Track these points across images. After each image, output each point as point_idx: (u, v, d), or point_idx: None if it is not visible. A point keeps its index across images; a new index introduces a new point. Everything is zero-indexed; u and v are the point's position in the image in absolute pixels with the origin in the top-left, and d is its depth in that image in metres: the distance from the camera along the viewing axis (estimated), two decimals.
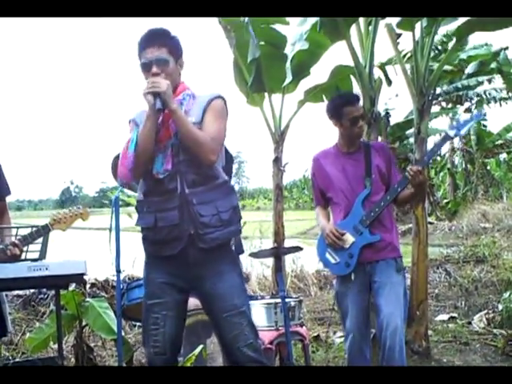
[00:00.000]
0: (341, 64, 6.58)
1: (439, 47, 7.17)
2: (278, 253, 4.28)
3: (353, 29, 5.34)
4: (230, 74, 7.08)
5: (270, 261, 7.71)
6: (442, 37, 7.17)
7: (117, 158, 3.04)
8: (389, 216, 3.71)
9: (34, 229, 3.45)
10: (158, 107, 2.79)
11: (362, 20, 5.44)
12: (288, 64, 6.28)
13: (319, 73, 7.06)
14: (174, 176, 2.85)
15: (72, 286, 5.06)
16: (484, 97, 12.04)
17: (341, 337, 5.57)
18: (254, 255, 4.19)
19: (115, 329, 3.98)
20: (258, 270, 8.68)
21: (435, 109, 14.22)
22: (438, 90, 9.00)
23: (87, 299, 4.58)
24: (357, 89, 5.54)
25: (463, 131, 3.54)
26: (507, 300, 6.00)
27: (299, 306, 4.28)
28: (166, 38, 2.92)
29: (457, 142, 22.27)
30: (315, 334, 5.86)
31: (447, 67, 6.51)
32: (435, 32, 5.40)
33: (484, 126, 20.68)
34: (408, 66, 5.89)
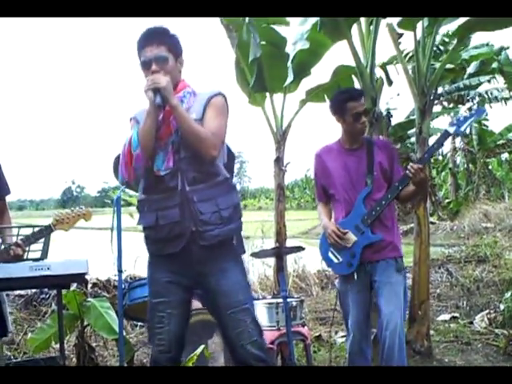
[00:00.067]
0: (342, 64, 6.58)
1: (441, 47, 7.17)
2: (280, 253, 4.29)
3: (354, 28, 5.34)
4: (232, 74, 7.08)
5: (272, 260, 7.71)
6: (443, 36, 7.17)
7: (118, 157, 3.04)
8: (390, 215, 3.70)
9: (37, 229, 3.46)
10: (157, 103, 2.79)
11: (363, 20, 5.44)
12: (289, 63, 6.28)
13: (321, 73, 7.06)
14: (174, 174, 2.85)
15: (74, 286, 5.07)
16: (486, 96, 12.06)
17: (342, 336, 5.58)
18: (255, 255, 4.20)
19: (117, 329, 3.99)
20: (259, 269, 8.68)
21: (437, 108, 14.26)
22: (440, 90, 9.01)
23: (89, 299, 4.58)
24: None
25: (463, 128, 3.53)
26: (509, 300, 5.98)
27: (301, 306, 4.28)
28: (164, 36, 2.92)
29: (458, 142, 22.26)
30: (317, 334, 5.86)
31: (449, 66, 6.51)
32: (436, 32, 5.41)
33: (485, 125, 20.67)
34: (409, 66, 5.89)
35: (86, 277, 4.13)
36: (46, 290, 6.39)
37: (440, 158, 24.33)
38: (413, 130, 10.80)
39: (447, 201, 22.77)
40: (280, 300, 4.00)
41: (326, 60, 6.68)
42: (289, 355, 3.87)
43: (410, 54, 6.38)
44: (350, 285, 3.67)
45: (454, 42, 5.86)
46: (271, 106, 7.11)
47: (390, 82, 6.82)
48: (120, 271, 3.70)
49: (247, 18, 6.04)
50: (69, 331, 4.51)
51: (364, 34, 5.45)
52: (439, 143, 3.72)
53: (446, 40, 7.41)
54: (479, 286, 8.01)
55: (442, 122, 17.80)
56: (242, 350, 2.86)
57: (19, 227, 3.49)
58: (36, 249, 3.46)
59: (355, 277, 3.63)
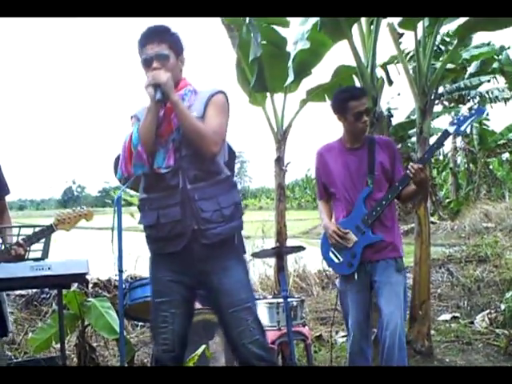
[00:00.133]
0: (343, 64, 6.58)
1: (442, 46, 7.17)
2: (281, 252, 4.28)
3: (355, 28, 5.34)
4: (232, 74, 7.08)
5: (272, 260, 7.71)
6: (444, 36, 7.17)
7: (119, 157, 3.04)
8: (391, 216, 3.70)
9: (38, 229, 3.46)
10: (158, 98, 2.78)
11: (363, 20, 5.44)
12: (290, 63, 6.28)
13: (321, 72, 7.07)
14: (175, 172, 2.84)
15: (74, 286, 5.07)
16: (486, 96, 12.06)
17: (343, 336, 5.58)
18: (256, 255, 4.20)
19: (117, 328, 3.99)
20: (260, 269, 8.68)
21: (438, 108, 14.25)
22: (441, 90, 9.01)
23: (89, 299, 4.58)
24: None
25: (463, 127, 3.52)
26: (509, 300, 5.98)
27: (301, 306, 4.28)
28: (166, 35, 2.92)
29: (459, 142, 22.25)
30: (317, 334, 5.86)
31: (450, 66, 6.51)
32: (437, 31, 5.41)
33: (486, 125, 20.66)
34: (410, 66, 5.89)
35: (87, 277, 4.14)
36: (46, 289, 6.39)
37: (441, 157, 24.33)
38: (413, 130, 10.82)
39: (448, 200, 22.76)
40: (281, 300, 3.99)
41: (326, 60, 6.69)
42: (289, 355, 3.86)
43: (411, 54, 6.37)
44: (350, 285, 3.67)
45: (455, 41, 5.86)
46: (272, 106, 7.11)
47: (390, 82, 6.83)
48: (121, 271, 3.70)
49: (247, 18, 6.04)
50: (69, 331, 4.51)
51: (365, 34, 5.45)
52: (439, 143, 3.72)
53: (447, 40, 7.41)
54: (480, 285, 8.00)
55: (442, 122, 17.80)
56: (244, 349, 2.85)
57: (20, 227, 3.49)
58: (37, 249, 3.47)
59: (355, 277, 3.63)
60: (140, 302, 3.95)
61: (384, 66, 6.88)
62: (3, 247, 3.40)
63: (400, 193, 3.60)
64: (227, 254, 2.92)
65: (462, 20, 5.18)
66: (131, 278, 6.39)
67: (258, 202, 48.19)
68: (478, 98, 12.52)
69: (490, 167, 24.18)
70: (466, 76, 9.58)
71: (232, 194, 2.94)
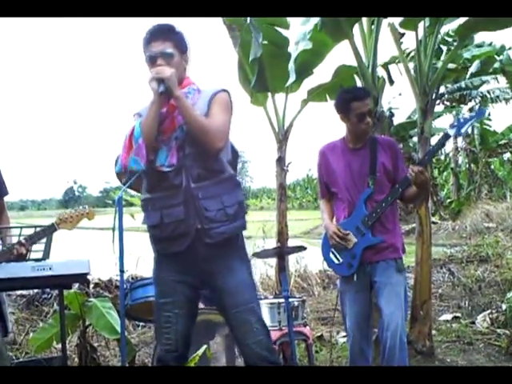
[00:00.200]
0: (344, 64, 6.58)
1: (443, 46, 7.16)
2: (282, 252, 4.27)
3: (356, 28, 5.33)
4: (233, 74, 7.08)
5: (274, 260, 7.71)
6: (445, 35, 7.16)
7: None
8: (392, 217, 3.69)
9: (40, 228, 3.46)
10: (161, 90, 2.78)
11: (364, 20, 5.44)
12: (292, 63, 6.28)
13: (322, 72, 7.06)
14: (179, 171, 2.83)
15: (75, 286, 5.07)
16: (488, 96, 12.04)
17: (344, 336, 5.57)
18: (257, 255, 4.19)
19: (118, 329, 3.98)
20: (261, 269, 8.68)
21: (439, 108, 14.24)
22: (442, 90, 9.00)
23: (90, 299, 4.58)
24: None
25: (464, 129, 3.51)
26: (511, 299, 5.97)
27: (302, 306, 4.28)
28: (171, 33, 2.93)
29: (460, 142, 22.23)
30: (319, 334, 5.86)
31: (451, 66, 6.51)
32: (438, 31, 5.40)
33: (488, 125, 20.64)
34: (411, 66, 5.89)
35: (88, 277, 4.14)
36: (47, 290, 6.40)
37: (442, 157, 24.31)
38: (415, 130, 10.81)
39: (449, 200, 22.75)
40: (282, 300, 3.99)
41: (327, 59, 6.68)
42: (291, 355, 3.86)
43: (412, 54, 6.36)
44: (350, 285, 3.67)
45: (456, 41, 5.86)
46: (273, 106, 7.11)
47: (391, 82, 6.82)
48: (122, 271, 3.69)
49: (248, 18, 6.03)
50: (71, 331, 4.52)
51: (366, 34, 5.44)
52: (440, 145, 3.72)
53: (448, 40, 7.39)
54: (481, 285, 8.00)
55: (444, 122, 17.78)
56: (248, 349, 2.86)
57: (21, 227, 3.49)
58: (38, 249, 3.47)
59: (354, 278, 3.63)
60: (141, 302, 3.95)
61: (385, 66, 6.87)
62: (5, 247, 3.41)
63: (402, 194, 3.60)
64: (231, 253, 2.92)
65: (462, 20, 5.17)
66: (132, 279, 6.40)
67: (259, 202, 48.13)
68: (479, 98, 12.50)
69: (492, 167, 24.16)
70: (468, 76, 9.56)
71: (236, 192, 2.93)
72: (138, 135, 2.82)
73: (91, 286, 6.71)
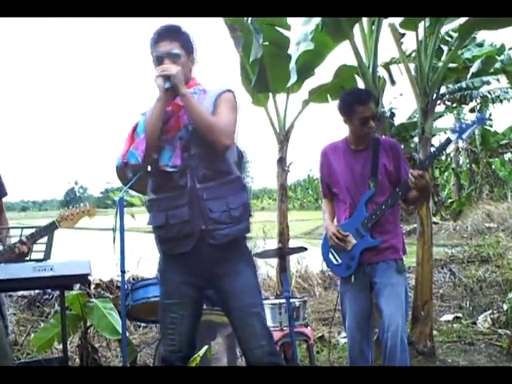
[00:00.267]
0: (345, 64, 6.57)
1: (444, 46, 7.15)
2: (283, 253, 4.27)
3: (356, 29, 5.33)
4: (234, 75, 7.08)
5: (275, 261, 7.71)
6: (445, 35, 7.15)
7: None
8: (393, 219, 3.68)
9: (42, 226, 3.47)
10: (167, 86, 2.78)
11: (365, 20, 5.44)
12: (293, 64, 6.27)
13: (323, 72, 7.06)
14: (184, 171, 2.83)
15: (77, 287, 5.07)
16: (489, 96, 12.01)
17: (344, 337, 5.57)
18: (258, 255, 4.19)
19: (120, 329, 3.99)
20: (262, 270, 8.67)
21: (440, 108, 14.22)
22: (443, 90, 8.99)
23: (92, 300, 4.58)
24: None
25: (465, 135, 3.51)
26: None
27: (304, 307, 4.28)
28: (178, 34, 2.94)
29: (461, 142, 22.21)
30: (320, 335, 5.85)
31: (452, 66, 6.50)
32: (438, 31, 5.40)
33: (489, 125, 20.63)
34: (412, 66, 5.88)
35: (89, 277, 4.14)
36: (49, 290, 6.40)
37: (443, 158, 24.29)
38: (416, 131, 10.79)
39: (450, 201, 22.76)
40: (283, 300, 3.99)
41: (328, 60, 6.68)
42: (292, 355, 3.86)
43: (413, 55, 6.36)
44: (349, 286, 3.67)
45: (457, 41, 5.85)
46: (274, 107, 7.11)
47: (393, 82, 6.82)
48: (123, 272, 3.69)
49: (249, 18, 6.03)
50: (72, 332, 4.52)
51: (366, 34, 5.45)
52: (441, 150, 3.72)
53: (449, 39, 7.38)
54: (482, 286, 8.00)
55: (445, 122, 17.77)
56: (250, 353, 2.85)
57: (22, 228, 3.49)
58: (39, 250, 3.47)
59: (352, 279, 3.63)
60: (142, 302, 3.95)
61: (387, 67, 6.87)
62: (6, 246, 3.41)
63: (403, 196, 3.60)
64: (238, 256, 2.92)
65: (463, 19, 5.17)
66: (133, 279, 6.40)
67: (260, 203, 48.15)
68: (480, 98, 12.47)
69: (493, 167, 24.14)
70: (469, 76, 9.55)
71: (241, 194, 2.92)
72: (141, 131, 2.83)
73: (92, 286, 6.71)
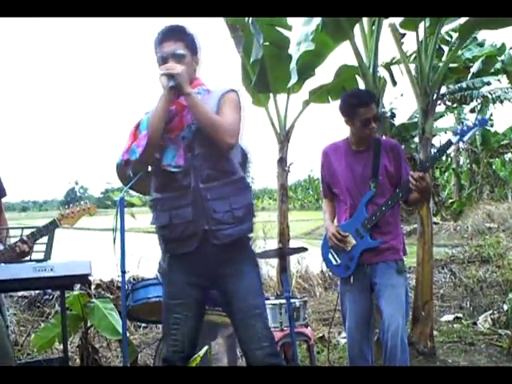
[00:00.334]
0: (345, 64, 6.57)
1: (444, 46, 7.15)
2: (283, 253, 4.27)
3: (356, 29, 5.33)
4: (234, 75, 7.08)
5: (275, 261, 7.70)
6: (445, 35, 7.15)
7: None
8: (393, 220, 3.68)
9: (42, 225, 3.46)
10: (171, 85, 2.78)
11: (365, 20, 5.44)
12: (293, 64, 6.27)
13: (324, 73, 7.06)
14: (187, 172, 2.82)
15: (77, 287, 5.07)
16: (489, 96, 12.00)
17: (345, 337, 5.56)
18: (258, 256, 4.18)
19: (120, 329, 3.99)
20: (262, 270, 8.67)
21: (440, 108, 14.22)
22: (443, 90, 8.99)
23: (92, 300, 4.58)
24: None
25: (466, 138, 3.51)
26: None
27: (304, 307, 4.27)
28: (182, 34, 2.94)
29: (462, 142, 22.20)
30: (320, 335, 5.85)
31: (453, 65, 6.50)
32: (439, 31, 5.40)
33: (489, 125, 20.62)
34: (412, 66, 5.88)
35: (90, 278, 4.14)
36: (49, 291, 6.40)
37: (443, 158, 24.29)
38: (417, 131, 10.78)
39: (450, 201, 22.76)
40: (283, 301, 3.99)
41: (328, 60, 6.67)
42: (292, 356, 3.86)
43: (414, 55, 6.36)
44: (349, 286, 3.67)
45: (457, 41, 5.85)
46: (275, 107, 7.10)
47: (394, 83, 6.82)
48: (123, 272, 3.70)
49: (250, 19, 6.03)
50: (72, 332, 4.52)
51: (366, 35, 5.44)
52: (442, 152, 3.72)
53: (449, 39, 7.38)
54: (482, 286, 8.00)
55: (445, 122, 17.77)
56: (251, 354, 2.85)
57: (23, 228, 3.49)
58: (39, 250, 3.47)
59: (351, 280, 3.63)
60: (142, 303, 3.95)
61: (387, 67, 6.87)
62: (6, 246, 3.41)
63: (404, 198, 3.60)
64: (242, 257, 2.92)
65: (463, 19, 5.17)
66: (134, 279, 6.39)
67: (260, 203, 48.09)
68: (480, 98, 12.46)
69: (493, 167, 24.16)
70: (469, 76, 9.55)
71: (245, 195, 2.91)
72: (144, 128, 2.83)
73: (93, 287, 6.71)
